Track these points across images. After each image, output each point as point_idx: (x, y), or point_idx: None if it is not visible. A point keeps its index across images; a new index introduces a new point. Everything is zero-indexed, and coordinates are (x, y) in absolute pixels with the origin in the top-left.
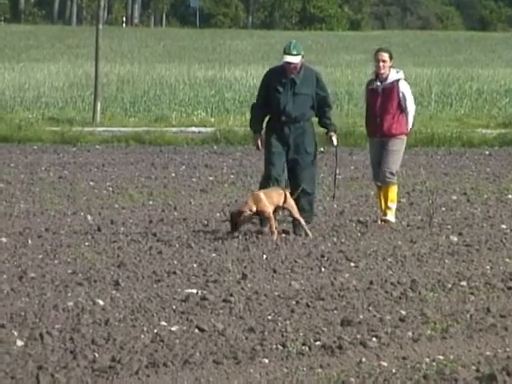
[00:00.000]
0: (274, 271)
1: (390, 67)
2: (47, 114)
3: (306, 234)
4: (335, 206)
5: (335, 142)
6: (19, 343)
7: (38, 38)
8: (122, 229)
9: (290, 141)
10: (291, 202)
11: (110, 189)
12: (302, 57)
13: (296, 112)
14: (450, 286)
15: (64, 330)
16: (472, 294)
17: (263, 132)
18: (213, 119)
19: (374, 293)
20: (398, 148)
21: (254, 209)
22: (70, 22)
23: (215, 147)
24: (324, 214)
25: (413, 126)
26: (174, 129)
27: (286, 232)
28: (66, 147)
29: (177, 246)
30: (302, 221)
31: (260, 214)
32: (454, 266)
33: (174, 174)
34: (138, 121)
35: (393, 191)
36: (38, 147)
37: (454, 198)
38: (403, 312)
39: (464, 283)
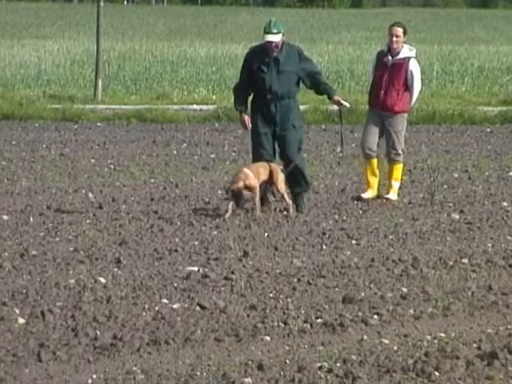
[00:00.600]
0: (276, 249)
1: (404, 43)
2: (48, 91)
3: (288, 211)
4: (336, 183)
5: (346, 104)
6: (21, 321)
7: (39, 15)
8: (124, 206)
9: (277, 118)
10: (277, 176)
11: (112, 166)
12: (283, 35)
13: (282, 90)
14: (451, 263)
15: (65, 308)
16: (473, 271)
17: (248, 111)
18: (214, 97)
19: (375, 270)
20: (400, 128)
21: (242, 184)
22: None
23: (216, 125)
24: (325, 191)
25: (414, 105)
26: (175, 106)
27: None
28: (68, 125)
29: (178, 223)
30: (287, 196)
31: (247, 190)
32: (456, 244)
33: (175, 152)
34: (139, 98)
35: (398, 169)
36: (39, 125)
37: (456, 175)
38: (404, 289)
39: (465, 261)
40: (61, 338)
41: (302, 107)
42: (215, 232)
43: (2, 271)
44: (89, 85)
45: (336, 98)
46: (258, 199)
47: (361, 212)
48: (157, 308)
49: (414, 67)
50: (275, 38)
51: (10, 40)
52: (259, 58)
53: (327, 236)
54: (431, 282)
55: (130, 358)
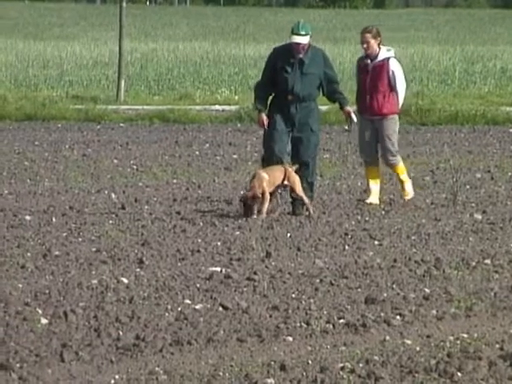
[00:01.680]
0: (298, 249)
1: (379, 45)
2: (71, 92)
3: (308, 213)
4: (359, 183)
5: (355, 119)
6: (43, 321)
7: (62, 16)
8: (146, 207)
9: (296, 120)
10: (294, 179)
11: (134, 167)
12: (310, 37)
13: (304, 92)
14: (474, 264)
15: (88, 308)
16: (496, 272)
17: (267, 110)
18: (237, 97)
19: (397, 271)
20: (392, 130)
21: (260, 189)
22: (93, 1)
23: (239, 125)
24: (348, 192)
25: (403, 105)
26: (197, 107)
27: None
28: (90, 125)
29: (201, 224)
30: (306, 198)
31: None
32: (478, 244)
33: (197, 153)
34: (161, 99)
35: (401, 169)
36: (62, 125)
37: (478, 175)
38: (427, 290)
39: (488, 261)
40: (83, 339)
41: (324, 108)
42: (238, 232)
43: (24, 271)
44: (111, 85)
45: (347, 109)
46: (266, 203)
47: (383, 212)
48: (179, 308)
49: (395, 67)
50: (303, 40)
51: (32, 40)
52: (284, 59)
53: (350, 236)
54: (454, 282)
55: (152, 358)
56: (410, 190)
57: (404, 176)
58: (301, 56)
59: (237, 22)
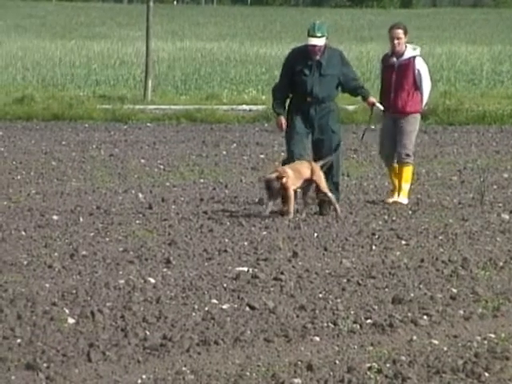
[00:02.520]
0: (325, 249)
1: (406, 43)
2: (98, 91)
3: (336, 212)
4: (386, 183)
5: (380, 106)
6: (70, 321)
7: (89, 15)
8: (173, 207)
9: (315, 121)
10: (319, 174)
11: (161, 167)
12: (327, 38)
13: (322, 93)
14: (501, 264)
15: (115, 308)
16: None
17: (286, 112)
18: (264, 97)
19: (425, 271)
20: (412, 128)
21: (284, 181)
22: (120, 0)
23: (266, 125)
24: (375, 192)
25: (427, 104)
26: (225, 107)
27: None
28: (117, 125)
29: (228, 223)
30: (332, 196)
31: (283, 189)
32: (506, 244)
33: (225, 152)
34: (189, 99)
35: (407, 171)
36: (89, 125)
37: (506, 175)
38: (454, 290)
39: None
40: (110, 339)
41: (351, 107)
42: (265, 232)
43: (52, 271)
44: (138, 85)
45: (371, 99)
46: (292, 202)
47: (410, 212)
48: (206, 308)
49: (421, 66)
50: (319, 42)
51: (59, 40)
52: (302, 61)
53: (377, 236)
54: (481, 282)
55: (179, 358)
56: (406, 194)
57: (408, 178)
58: (318, 58)
59: (264, 22)
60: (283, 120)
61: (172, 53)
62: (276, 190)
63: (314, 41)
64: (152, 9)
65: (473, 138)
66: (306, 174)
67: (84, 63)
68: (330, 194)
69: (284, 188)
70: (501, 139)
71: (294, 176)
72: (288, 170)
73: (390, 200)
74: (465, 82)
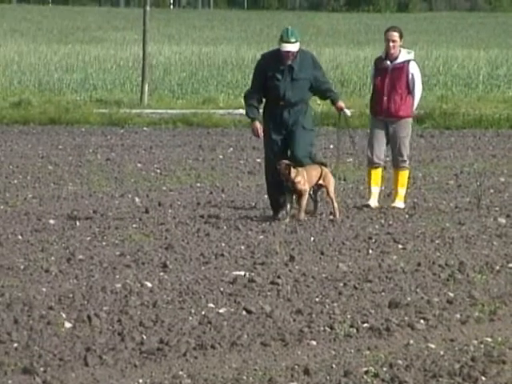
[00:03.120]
0: (322, 253)
1: (401, 47)
2: (95, 95)
3: (334, 215)
4: (383, 187)
5: (347, 112)
6: (67, 325)
7: (86, 19)
8: (170, 211)
9: (290, 123)
10: (329, 180)
11: (158, 171)
12: (300, 43)
13: (295, 97)
14: (497, 268)
15: (112, 312)
16: None
17: (260, 118)
18: None
19: (421, 275)
20: (405, 133)
21: (297, 179)
22: (117, 4)
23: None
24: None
25: (417, 108)
26: (221, 111)
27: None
28: (114, 129)
29: (224, 228)
30: (335, 200)
31: (295, 191)
32: (502, 248)
33: (221, 156)
34: (185, 103)
35: (403, 176)
36: (85, 129)
37: (502, 179)
38: (451, 294)
39: None
40: (107, 343)
41: (347, 111)
42: (261, 236)
43: (48, 275)
44: (135, 89)
45: (340, 103)
46: (304, 202)
47: (407, 216)
48: (203, 312)
49: (415, 70)
50: (293, 48)
51: (56, 44)
52: (273, 66)
53: (373, 240)
54: (478, 286)
55: (176, 362)
56: (402, 198)
57: (404, 182)
58: (290, 62)
59: (260, 26)
60: (258, 125)
61: (168, 57)
62: (291, 179)
63: (288, 47)
64: (148, 13)
65: (469, 142)
66: (316, 178)
67: (81, 67)
68: (335, 202)
69: (297, 190)
70: (497, 143)
71: (308, 179)
72: (304, 172)
73: (368, 203)
74: (461, 86)
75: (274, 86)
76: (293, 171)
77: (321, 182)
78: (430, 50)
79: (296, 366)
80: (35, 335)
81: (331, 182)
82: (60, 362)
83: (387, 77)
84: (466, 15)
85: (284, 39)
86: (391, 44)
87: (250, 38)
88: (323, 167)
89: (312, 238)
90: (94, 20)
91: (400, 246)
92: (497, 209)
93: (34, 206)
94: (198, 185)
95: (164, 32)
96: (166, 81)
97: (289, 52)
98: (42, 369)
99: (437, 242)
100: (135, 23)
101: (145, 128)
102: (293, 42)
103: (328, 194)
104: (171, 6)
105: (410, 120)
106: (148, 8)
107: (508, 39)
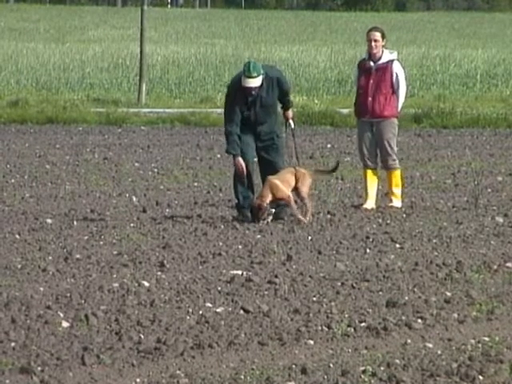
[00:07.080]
0: (319, 252)
1: (383, 47)
2: (92, 95)
3: (305, 215)
4: (380, 187)
5: (291, 123)
6: (65, 324)
7: (83, 18)
8: (167, 210)
9: (261, 135)
10: (304, 181)
11: (155, 170)
12: (263, 75)
13: (265, 118)
14: (495, 267)
15: (109, 311)
16: None
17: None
18: None
19: (419, 274)
20: (391, 134)
21: (270, 198)
22: (114, 3)
23: None
24: None
25: (402, 108)
26: (219, 110)
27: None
28: (111, 128)
29: (222, 227)
30: (308, 203)
31: (280, 200)
32: (500, 247)
33: (219, 156)
34: (183, 102)
35: (396, 176)
36: (83, 128)
37: (500, 179)
38: (448, 293)
39: (510, 264)
40: (105, 342)
41: (345, 111)
42: (259, 236)
43: (46, 275)
44: (133, 88)
45: (289, 112)
46: (293, 205)
47: (404, 216)
48: (200, 312)
49: (399, 69)
50: (255, 83)
51: (54, 43)
52: (241, 97)
53: (371, 240)
54: (475, 285)
55: (173, 361)
56: (398, 198)
57: (398, 182)
58: (254, 93)
59: (258, 25)
60: (241, 161)
61: (166, 56)
62: (258, 215)
63: (250, 82)
64: (146, 12)
65: (467, 142)
66: (293, 181)
67: (78, 66)
68: (308, 204)
69: (281, 199)
70: (495, 142)
71: (284, 186)
72: (275, 180)
73: (364, 206)
74: (459, 85)
75: (244, 114)
76: (265, 198)
77: (296, 184)
78: (427, 49)
79: (293, 366)
80: (33, 334)
81: (306, 184)
82: (57, 362)
83: (371, 77)
84: (464, 14)
85: (246, 74)
86: (373, 44)
87: (248, 37)
88: (298, 168)
89: (309, 238)
90: (92, 19)
91: (397, 246)
92: (494, 208)
93: (32, 206)
94: (196, 184)
95: (161, 31)
96: (164, 80)
97: (251, 88)
98: (39, 368)
99: (434, 241)
100: (132, 23)
101: (142, 127)
102: (255, 77)
103: (300, 194)
104: (169, 5)
105: (396, 120)
106: (145, 7)
107: (505, 38)
